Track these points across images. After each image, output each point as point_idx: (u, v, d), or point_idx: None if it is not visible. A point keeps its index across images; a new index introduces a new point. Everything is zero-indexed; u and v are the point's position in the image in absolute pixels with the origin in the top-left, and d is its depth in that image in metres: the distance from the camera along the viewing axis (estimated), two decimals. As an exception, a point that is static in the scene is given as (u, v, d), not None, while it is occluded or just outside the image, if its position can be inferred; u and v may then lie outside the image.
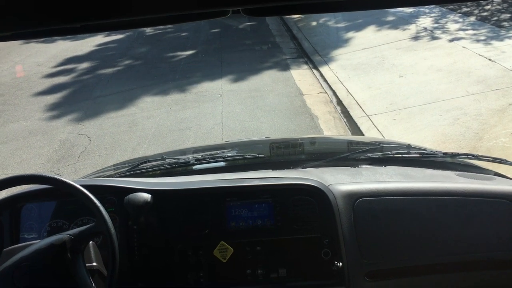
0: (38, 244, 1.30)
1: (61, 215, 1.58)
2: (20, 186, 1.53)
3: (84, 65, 9.51)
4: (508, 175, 1.85)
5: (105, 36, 12.15)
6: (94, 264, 1.39)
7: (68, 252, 1.27)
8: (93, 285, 1.27)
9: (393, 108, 5.68)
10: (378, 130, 5.20)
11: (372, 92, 6.28)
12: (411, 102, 5.73)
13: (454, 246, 1.51)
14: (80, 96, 7.55)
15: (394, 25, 9.21)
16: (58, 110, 6.94)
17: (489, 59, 6.44)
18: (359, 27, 9.64)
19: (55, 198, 1.60)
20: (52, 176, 1.36)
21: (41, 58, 10.44)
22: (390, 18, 9.77)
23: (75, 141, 5.77)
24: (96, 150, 5.47)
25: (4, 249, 1.41)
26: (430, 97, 5.73)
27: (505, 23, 8.04)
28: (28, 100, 7.54)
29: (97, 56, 10.28)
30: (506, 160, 1.90)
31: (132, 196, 1.47)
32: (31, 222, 1.57)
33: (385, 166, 1.85)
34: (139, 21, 0.97)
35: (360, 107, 5.87)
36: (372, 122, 5.41)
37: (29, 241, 1.41)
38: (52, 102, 7.30)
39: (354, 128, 5.44)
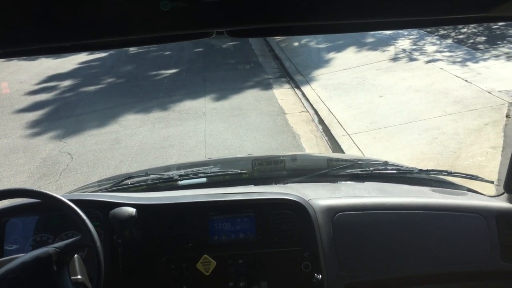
0: (24, 256, 1.32)
1: (45, 229, 1.60)
2: (5, 200, 1.55)
3: (67, 83, 9.48)
4: (481, 191, 1.94)
5: (89, 55, 12.15)
6: (79, 277, 1.41)
7: (54, 265, 1.29)
8: None
9: (373, 127, 5.80)
10: (359, 149, 5.30)
11: (353, 111, 6.41)
12: (391, 121, 5.86)
13: (429, 258, 1.57)
14: (62, 113, 7.52)
15: (374, 47, 9.43)
16: (40, 127, 6.89)
17: (466, 80, 6.64)
18: (340, 48, 9.85)
19: (39, 213, 1.62)
20: (39, 190, 1.38)
21: (23, 75, 10.38)
22: (370, 39, 10.01)
23: (57, 158, 5.73)
24: (78, 167, 5.45)
25: None
26: (409, 116, 5.87)
27: (481, 46, 8.32)
28: (9, 117, 7.48)
29: (80, 74, 10.26)
30: (478, 177, 1.98)
31: (117, 210, 1.50)
32: (16, 237, 1.58)
33: (363, 182, 1.91)
34: (126, 41, 1.01)
35: (341, 126, 5.98)
36: (353, 140, 5.52)
37: (14, 254, 1.42)
38: (34, 120, 7.26)
39: (335, 146, 5.53)
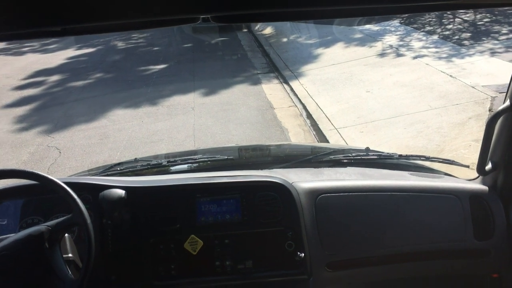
0: (17, 235, 1.36)
1: (36, 212, 1.64)
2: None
3: (54, 78, 9.44)
4: (457, 176, 2.01)
5: (76, 49, 12.09)
6: (70, 255, 1.45)
7: (46, 242, 1.33)
8: (69, 272, 1.34)
9: (360, 121, 5.88)
10: (346, 143, 5.38)
11: (341, 106, 6.49)
12: (377, 115, 5.94)
13: (407, 238, 1.64)
14: (50, 108, 7.49)
15: (362, 42, 9.53)
16: (27, 122, 6.87)
17: (451, 76, 6.75)
18: (328, 44, 9.93)
19: (30, 196, 1.66)
20: (33, 171, 1.42)
21: (9, 70, 10.31)
22: (358, 35, 10.11)
23: (45, 153, 5.72)
24: (67, 162, 5.45)
25: None
26: (395, 111, 5.96)
27: (466, 42, 8.45)
28: (-4, 112, 7.45)
29: (68, 68, 10.22)
30: (454, 161, 2.06)
31: (107, 192, 1.54)
32: (7, 219, 1.62)
33: (345, 167, 1.98)
34: (110, 26, 1.03)
35: (329, 120, 6.05)
36: (340, 134, 5.59)
37: (5, 234, 1.46)
38: (21, 115, 7.22)
39: (323, 140, 5.60)
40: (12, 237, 1.36)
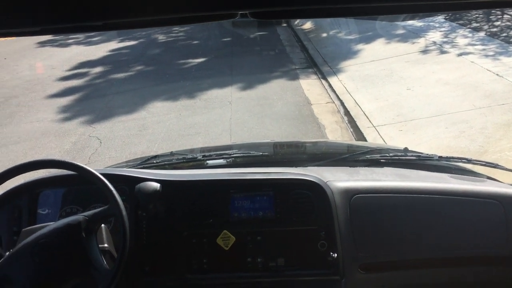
0: (55, 223, 1.40)
1: (75, 201, 1.68)
2: (38, 173, 1.64)
3: (97, 69, 9.69)
4: (501, 180, 1.93)
5: (119, 42, 12.37)
6: (106, 245, 1.49)
7: (82, 232, 1.37)
8: (104, 262, 1.37)
9: (399, 119, 5.75)
10: (384, 141, 5.27)
11: (380, 103, 6.36)
12: (418, 114, 5.79)
13: (444, 242, 1.59)
14: (92, 99, 7.70)
15: (404, 39, 9.30)
16: (70, 112, 7.08)
17: (497, 74, 6.50)
18: (368, 40, 9.74)
19: (70, 186, 1.70)
20: (72, 162, 1.46)
21: (55, 61, 10.65)
22: (400, 31, 9.87)
23: (86, 143, 5.89)
24: (106, 152, 5.59)
25: (23, 229, 1.51)
26: (436, 109, 5.80)
27: (514, 39, 8.11)
28: (41, 102, 7.70)
29: (110, 61, 10.47)
30: (498, 165, 1.98)
31: (142, 184, 1.57)
32: (47, 207, 1.67)
33: (382, 167, 1.93)
34: (149, 21, 1.05)
35: (367, 117, 5.95)
36: (378, 132, 5.49)
37: (46, 222, 1.51)
38: (65, 105, 7.46)
39: (360, 138, 5.51)
40: (52, 225, 1.40)
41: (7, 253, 1.37)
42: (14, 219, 1.63)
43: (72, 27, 1.08)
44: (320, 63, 8.79)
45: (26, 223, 1.62)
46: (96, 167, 4.80)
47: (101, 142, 5.87)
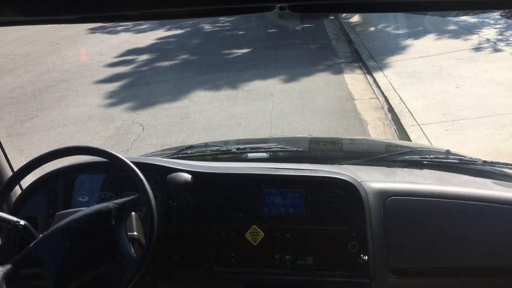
0: (87, 209, 1.43)
1: (109, 188, 1.71)
2: (75, 159, 1.68)
3: (144, 57, 9.88)
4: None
5: (166, 31, 12.56)
6: (135, 233, 1.50)
7: (112, 219, 1.39)
8: (132, 250, 1.39)
9: (446, 119, 5.55)
10: (428, 140, 5.10)
11: (426, 101, 6.16)
12: (466, 114, 5.57)
13: (482, 251, 1.51)
14: (138, 86, 7.86)
15: (455, 35, 8.95)
16: (116, 98, 7.26)
17: (554, 75, 6.16)
18: (418, 35, 9.44)
19: (105, 172, 1.73)
20: (104, 149, 1.49)
21: (104, 48, 10.95)
22: (452, 27, 9.51)
23: (129, 128, 6.02)
24: (148, 139, 5.69)
25: (57, 213, 1.55)
26: (486, 110, 5.55)
27: None
28: (89, 87, 7.93)
29: (156, 48, 10.65)
30: (549, 173, 1.86)
31: (174, 175, 1.57)
32: (83, 192, 1.71)
33: (421, 169, 1.86)
34: (184, 12, 1.04)
35: (412, 115, 5.78)
36: (423, 131, 5.32)
37: (81, 207, 1.54)
38: (111, 90, 7.65)
39: (404, 136, 5.36)
40: (83, 211, 1.43)
41: (41, 235, 1.41)
42: (51, 202, 1.68)
43: (109, 16, 1.10)
44: (366, 57, 8.60)
45: (62, 206, 1.66)
46: (137, 154, 4.88)
47: (143, 129, 5.98)
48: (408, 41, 9.19)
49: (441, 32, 9.29)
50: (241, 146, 2.14)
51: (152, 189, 1.53)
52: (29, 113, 6.66)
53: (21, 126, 6.19)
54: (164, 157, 1.99)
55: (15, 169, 1.57)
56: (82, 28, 13.21)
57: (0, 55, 10.28)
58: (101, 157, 1.49)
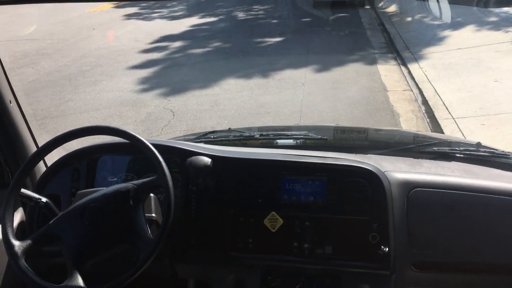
0: (106, 189, 1.44)
1: (131, 169, 1.72)
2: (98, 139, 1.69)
3: (177, 44, 9.95)
4: None
5: (200, 18, 12.62)
6: (153, 215, 1.51)
7: (130, 199, 1.40)
8: (149, 231, 1.39)
9: (482, 113, 5.36)
10: (463, 134, 4.95)
11: (462, 94, 5.97)
12: (504, 108, 5.38)
13: (509, 248, 1.45)
14: (170, 72, 7.93)
15: (496, 26, 8.62)
16: (148, 84, 7.34)
17: None
18: (456, 26, 9.14)
19: (127, 154, 1.74)
20: (125, 130, 1.49)
21: (139, 34, 11.08)
22: (493, 18, 9.16)
23: (160, 114, 6.08)
24: (178, 125, 5.73)
25: (78, 191, 1.57)
26: (526, 105, 5.35)
27: None
28: (123, 72, 8.05)
29: (190, 35, 10.71)
30: None
31: (194, 158, 1.56)
32: (105, 173, 1.72)
33: (449, 161, 1.79)
34: None
35: (447, 108, 5.61)
36: (458, 125, 5.16)
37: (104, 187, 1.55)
38: (144, 76, 7.74)
39: (437, 129, 5.21)
40: (103, 190, 1.44)
41: (61, 213, 1.43)
42: (73, 181, 1.70)
43: None
44: (401, 48, 8.39)
45: (84, 186, 1.68)
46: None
47: (174, 115, 6.03)
48: (446, 32, 8.91)
49: (481, 23, 8.96)
50: (264, 133, 2.11)
51: (173, 172, 1.52)
52: (64, 97, 6.82)
53: (56, 109, 6.34)
54: (186, 140, 1.99)
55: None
56: (118, 14, 13.41)
57: (39, 40, 10.56)
58: (121, 137, 1.50)
